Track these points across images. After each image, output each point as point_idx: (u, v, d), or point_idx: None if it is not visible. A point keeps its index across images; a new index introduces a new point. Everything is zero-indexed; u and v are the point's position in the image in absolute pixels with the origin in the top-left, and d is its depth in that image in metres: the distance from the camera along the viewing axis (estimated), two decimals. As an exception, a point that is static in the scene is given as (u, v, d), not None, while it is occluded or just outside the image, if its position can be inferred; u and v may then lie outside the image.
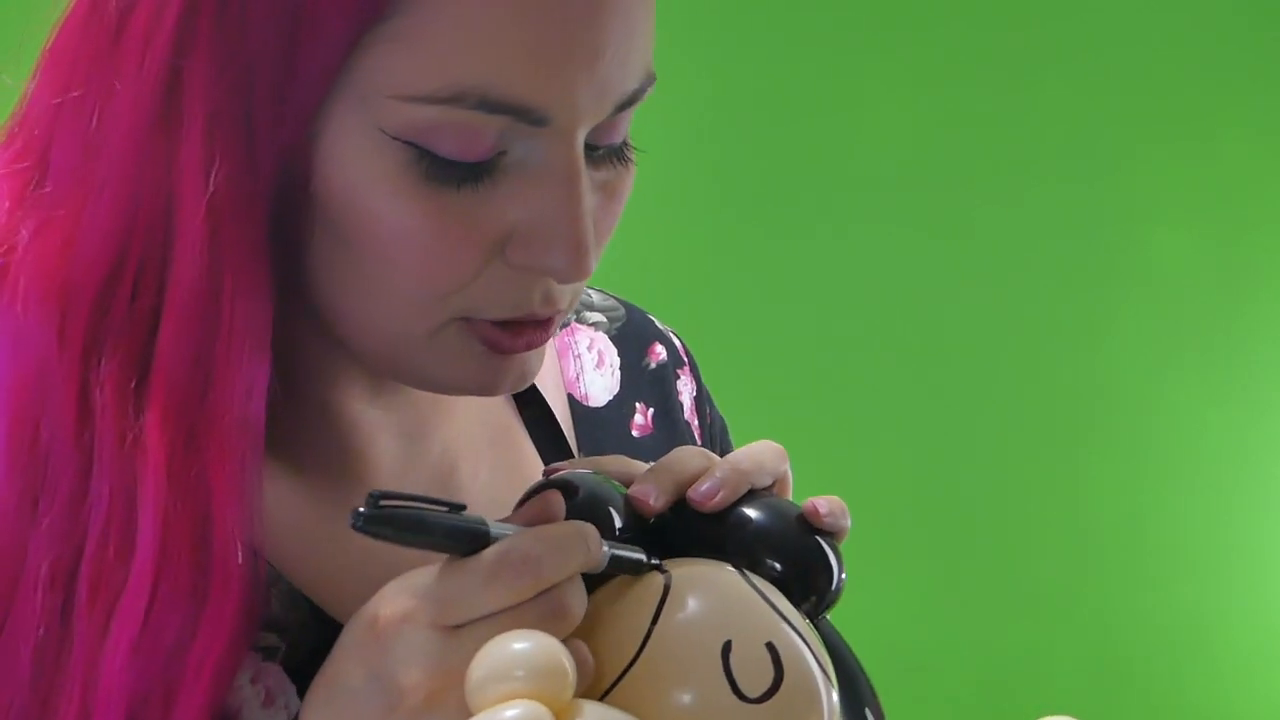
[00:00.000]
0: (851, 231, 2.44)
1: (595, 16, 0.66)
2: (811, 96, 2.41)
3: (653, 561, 0.68)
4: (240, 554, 0.66)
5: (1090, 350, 2.52)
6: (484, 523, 0.63)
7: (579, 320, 0.91)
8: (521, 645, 0.60)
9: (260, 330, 0.69)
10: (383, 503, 0.61)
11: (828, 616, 0.72)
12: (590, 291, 0.93)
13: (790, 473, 0.75)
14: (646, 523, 0.70)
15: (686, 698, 0.63)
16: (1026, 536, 2.51)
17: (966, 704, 2.48)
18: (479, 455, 0.83)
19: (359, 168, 0.67)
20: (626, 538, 0.69)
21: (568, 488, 0.69)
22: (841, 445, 2.40)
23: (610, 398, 0.89)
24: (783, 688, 0.64)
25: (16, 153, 0.72)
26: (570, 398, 0.88)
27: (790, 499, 0.75)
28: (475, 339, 0.71)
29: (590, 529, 0.64)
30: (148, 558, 0.65)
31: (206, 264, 0.67)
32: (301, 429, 0.77)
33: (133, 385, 0.67)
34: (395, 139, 0.66)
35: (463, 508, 0.63)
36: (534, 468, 0.84)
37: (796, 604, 0.69)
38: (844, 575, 0.71)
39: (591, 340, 0.90)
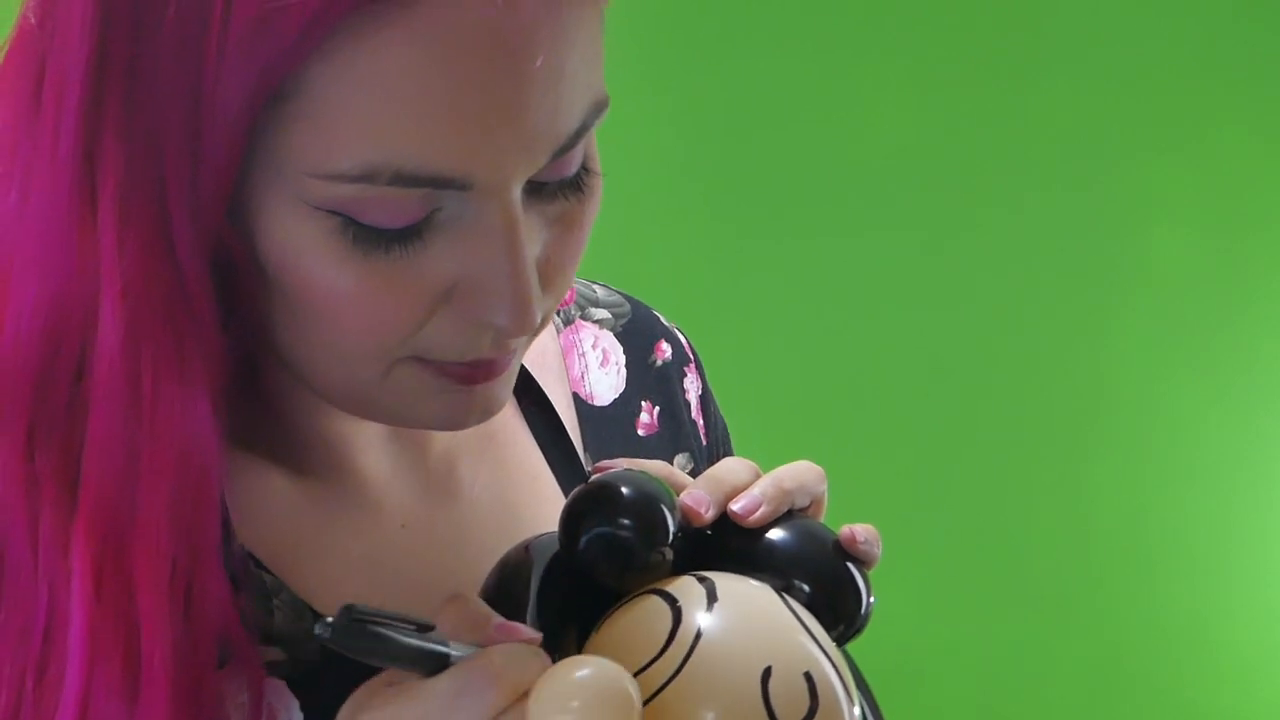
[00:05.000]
0: (851, 232, 2.44)
1: (513, 80, 0.63)
2: (812, 98, 2.41)
3: (699, 574, 0.68)
4: (170, 651, 0.65)
5: (1090, 350, 2.52)
6: (446, 644, 0.62)
7: (583, 317, 0.90)
8: (583, 673, 0.60)
9: (195, 409, 0.67)
10: (355, 617, 0.60)
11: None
12: (595, 286, 0.92)
13: (826, 495, 0.76)
14: (688, 530, 0.70)
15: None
16: (1027, 537, 2.51)
17: (966, 704, 2.48)
18: (478, 455, 0.82)
19: (289, 237, 0.65)
20: (677, 545, 0.69)
21: (621, 488, 0.69)
22: (841, 445, 2.39)
23: (615, 396, 0.88)
24: (815, 718, 0.64)
25: None
26: (575, 396, 0.87)
27: (823, 521, 0.75)
28: (430, 375, 0.70)
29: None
30: (79, 660, 0.64)
31: (123, 356, 0.65)
32: (296, 441, 0.76)
33: (68, 481, 0.66)
34: (319, 209, 0.64)
35: (431, 628, 0.62)
36: (536, 466, 0.84)
37: (825, 629, 0.69)
38: (873, 601, 0.72)
39: (596, 338, 0.90)
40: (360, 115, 0.62)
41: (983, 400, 2.49)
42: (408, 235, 0.65)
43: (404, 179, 0.63)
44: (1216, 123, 2.52)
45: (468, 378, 0.70)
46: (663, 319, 0.94)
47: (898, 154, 2.44)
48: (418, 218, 0.65)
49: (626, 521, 0.68)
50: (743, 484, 0.72)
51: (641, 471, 0.71)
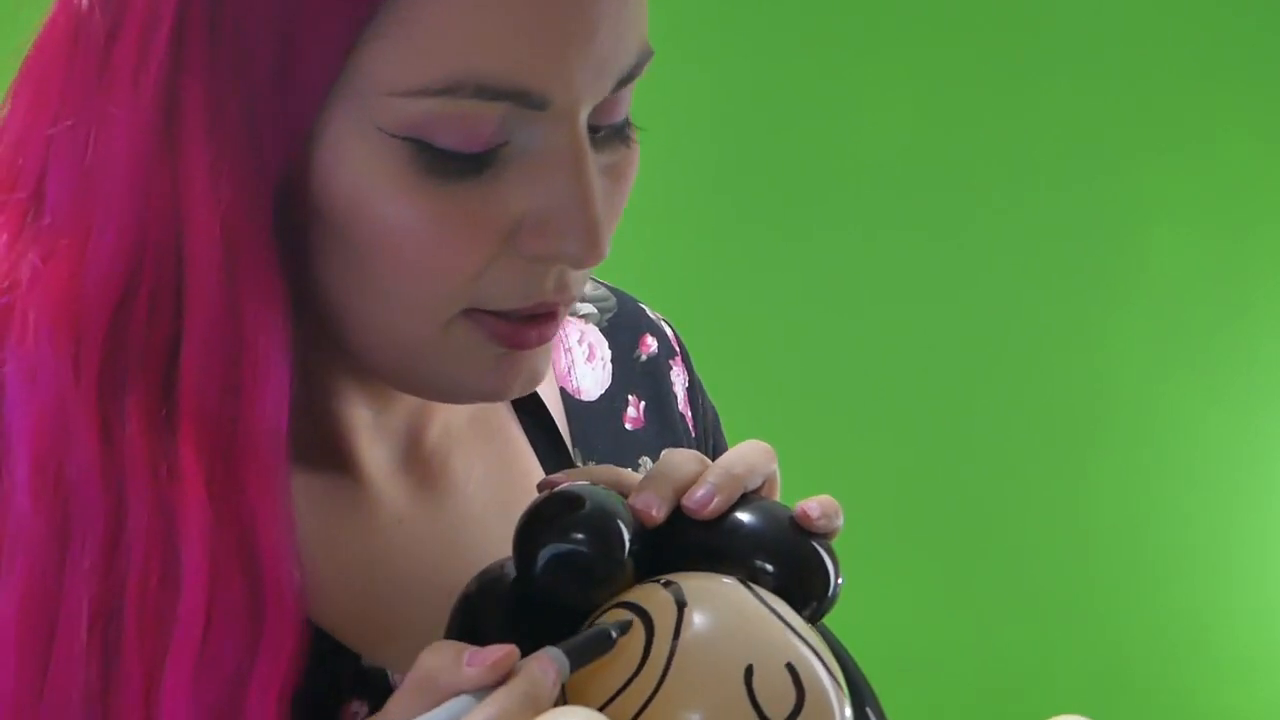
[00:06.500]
0: (851, 231, 2.43)
1: None
2: (811, 96, 2.41)
3: (664, 579, 0.67)
4: (291, 567, 0.65)
5: (1090, 350, 2.52)
6: None
7: (570, 312, 0.90)
8: None
9: (282, 341, 0.68)
10: None
11: (822, 622, 0.71)
12: None
13: (778, 472, 0.75)
14: (645, 532, 0.69)
15: None
16: (1027, 537, 2.50)
17: (967, 705, 2.47)
18: (472, 451, 0.82)
19: (360, 169, 0.66)
20: (635, 551, 0.68)
21: (570, 503, 0.68)
22: (841, 445, 2.40)
23: (602, 391, 0.89)
24: (804, 709, 0.63)
25: (5, 184, 0.70)
26: (563, 391, 0.88)
27: (778, 499, 0.75)
28: (485, 336, 0.70)
29: (537, 672, 0.62)
30: (198, 586, 0.64)
31: (223, 281, 0.66)
32: (297, 434, 0.75)
33: (162, 415, 0.66)
34: (394, 136, 0.65)
35: None
36: (528, 462, 0.84)
37: (796, 611, 0.68)
38: (840, 580, 0.71)
39: (582, 333, 0.90)
40: (445, 26, 0.64)
41: (982, 399, 2.49)
42: (479, 165, 0.66)
43: (486, 91, 0.64)
44: (1216, 123, 2.52)
45: (521, 340, 0.70)
46: (649, 311, 0.94)
47: (897, 153, 2.44)
48: (490, 144, 0.66)
49: (581, 536, 0.67)
50: (690, 476, 0.71)
51: (589, 483, 0.70)
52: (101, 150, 0.67)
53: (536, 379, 0.73)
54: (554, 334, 0.72)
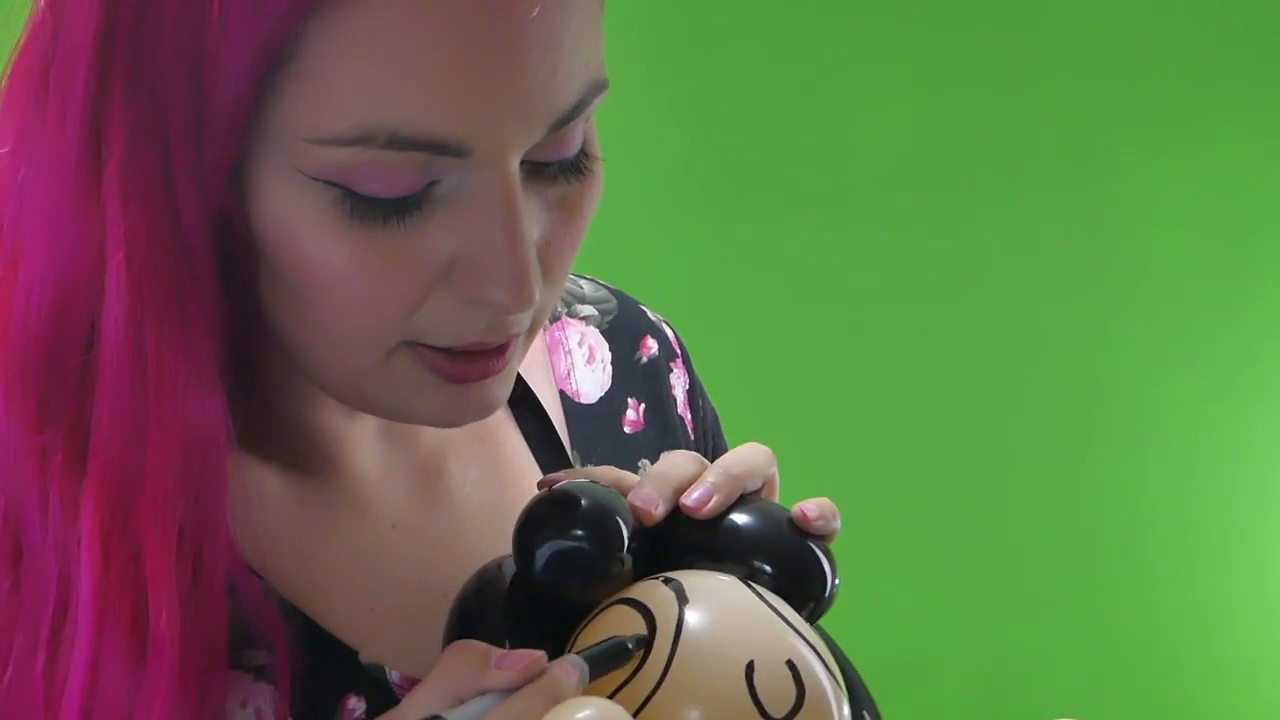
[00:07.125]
0: (851, 231, 2.44)
1: (509, 40, 0.63)
2: (811, 96, 2.41)
3: (664, 576, 0.68)
4: (176, 616, 0.65)
5: (1090, 350, 2.52)
6: None
7: (569, 314, 0.90)
8: (584, 714, 0.60)
9: (200, 376, 0.67)
10: None
11: (819, 623, 0.72)
12: (581, 281, 0.92)
13: (777, 475, 0.75)
14: (644, 530, 0.70)
15: None
16: (1027, 537, 2.51)
17: (966, 706, 2.48)
18: (467, 453, 0.82)
19: (286, 210, 0.65)
20: (634, 549, 0.68)
21: (569, 500, 0.68)
22: (840, 445, 2.40)
23: (601, 394, 0.88)
24: (804, 706, 0.64)
25: None
26: (562, 394, 0.87)
27: (777, 502, 0.75)
28: (426, 369, 0.69)
29: (560, 675, 0.63)
30: (87, 627, 0.64)
31: (128, 321, 0.65)
32: (282, 441, 0.76)
33: (78, 449, 0.66)
34: (316, 179, 0.64)
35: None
36: (525, 464, 0.84)
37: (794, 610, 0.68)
38: (838, 581, 0.71)
39: (582, 335, 0.89)
40: (356, 75, 0.62)
41: (982, 399, 2.49)
42: (406, 207, 0.65)
43: (400, 141, 0.63)
44: (1216, 123, 2.52)
45: (462, 375, 0.70)
46: (649, 313, 0.94)
47: (897, 153, 2.44)
48: (415, 188, 0.64)
49: (580, 533, 0.67)
50: (689, 476, 0.72)
51: (589, 481, 0.71)
52: (34, 179, 0.67)
53: (491, 406, 0.72)
54: (500, 369, 0.71)
